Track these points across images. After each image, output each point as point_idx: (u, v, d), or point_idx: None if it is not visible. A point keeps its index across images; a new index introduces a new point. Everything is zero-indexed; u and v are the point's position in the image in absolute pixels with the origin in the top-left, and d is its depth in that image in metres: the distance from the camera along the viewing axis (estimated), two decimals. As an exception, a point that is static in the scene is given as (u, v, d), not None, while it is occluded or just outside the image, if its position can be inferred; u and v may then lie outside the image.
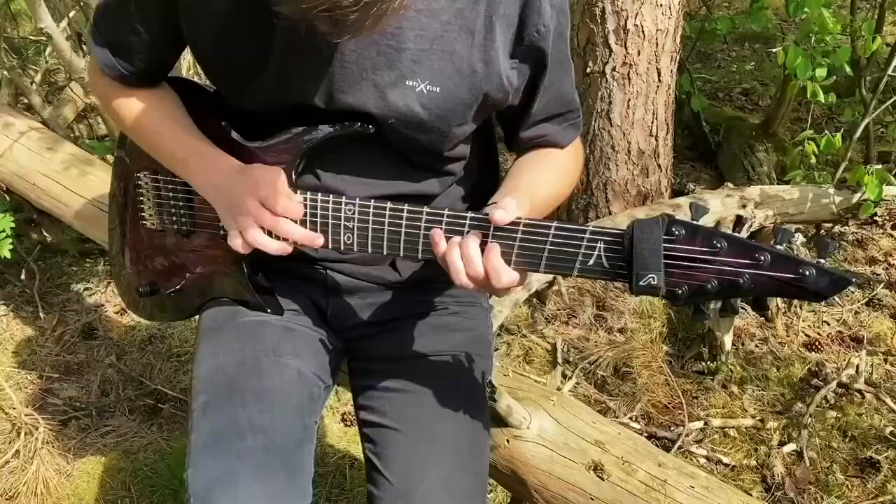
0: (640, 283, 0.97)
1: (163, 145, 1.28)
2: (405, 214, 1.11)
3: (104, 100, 1.35)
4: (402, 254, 1.14)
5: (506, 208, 1.04)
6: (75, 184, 2.31)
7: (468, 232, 1.07)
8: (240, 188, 1.16)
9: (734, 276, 0.95)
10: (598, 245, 1.01)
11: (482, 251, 1.06)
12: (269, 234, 1.16)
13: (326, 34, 0.93)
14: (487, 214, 1.06)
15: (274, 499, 1.12)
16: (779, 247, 0.94)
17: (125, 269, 1.49)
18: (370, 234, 1.14)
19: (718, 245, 0.95)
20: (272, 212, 1.14)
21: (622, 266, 1.00)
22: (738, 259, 0.94)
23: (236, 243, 1.17)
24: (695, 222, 0.97)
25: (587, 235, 1.01)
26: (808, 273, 0.92)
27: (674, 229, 0.96)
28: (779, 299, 2.83)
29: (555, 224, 1.03)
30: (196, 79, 1.72)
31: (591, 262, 1.02)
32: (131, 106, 1.29)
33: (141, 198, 1.39)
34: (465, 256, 1.05)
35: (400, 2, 0.91)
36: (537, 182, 1.25)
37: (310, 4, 0.87)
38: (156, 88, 1.31)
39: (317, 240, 1.15)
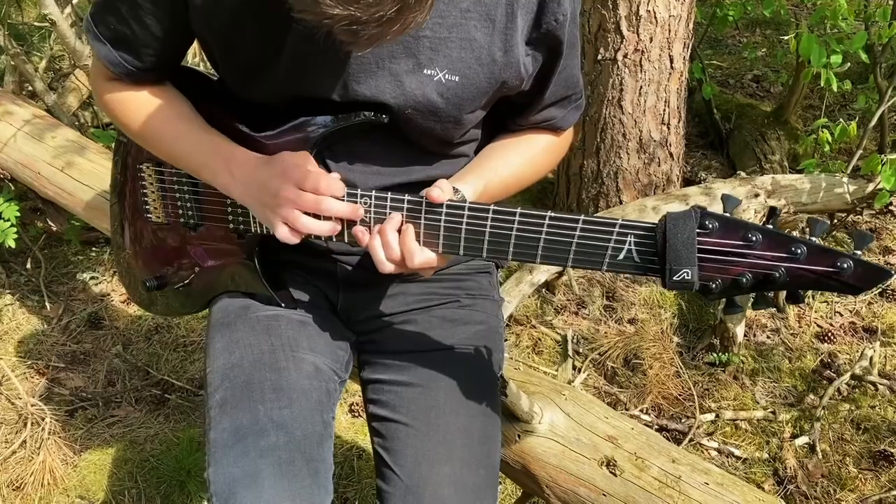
0: (674, 277, 0.95)
1: (180, 150, 1.23)
2: (423, 208, 1.08)
3: (110, 106, 1.28)
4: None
5: (442, 187, 1.07)
6: (79, 173, 2.29)
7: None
8: (272, 179, 1.12)
9: (769, 269, 0.93)
10: (629, 239, 0.99)
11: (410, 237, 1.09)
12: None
13: (345, 44, 0.91)
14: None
15: (298, 497, 1.10)
16: (814, 239, 0.92)
17: (130, 262, 1.47)
18: None
19: (753, 238, 0.93)
20: (314, 193, 1.11)
21: (654, 260, 0.98)
22: (774, 252, 0.93)
23: (283, 233, 1.12)
24: (728, 215, 0.95)
25: (617, 229, 0.99)
26: (845, 266, 0.90)
27: (707, 222, 0.94)
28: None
29: (582, 218, 1.01)
30: (201, 66, 1.69)
31: (622, 256, 1.00)
32: (140, 110, 1.24)
33: (144, 190, 1.37)
34: (384, 242, 1.09)
35: (423, 17, 0.88)
36: (501, 164, 1.25)
37: (332, 18, 0.85)
38: (162, 87, 1.26)
39: (359, 210, 1.12)
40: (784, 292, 0.97)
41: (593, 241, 1.01)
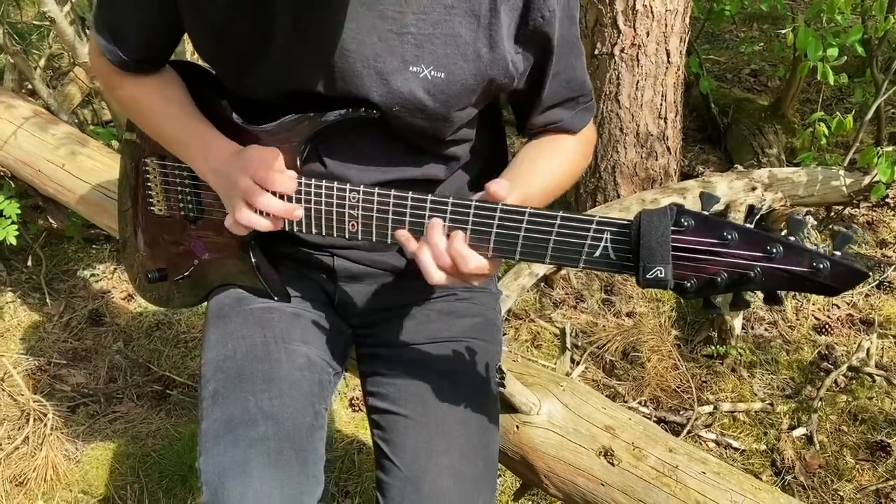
0: (647, 275, 0.94)
1: (165, 129, 1.27)
2: (409, 203, 1.09)
3: (106, 82, 1.34)
4: None
5: (499, 181, 1.04)
6: (79, 170, 2.30)
7: (468, 220, 1.05)
8: (236, 169, 1.15)
9: (745, 268, 0.91)
10: (605, 236, 0.98)
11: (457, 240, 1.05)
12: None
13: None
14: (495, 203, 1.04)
15: (287, 486, 1.11)
16: (791, 238, 0.90)
17: (137, 253, 1.49)
18: (374, 222, 1.13)
19: (729, 236, 0.91)
20: (264, 188, 1.13)
21: (629, 258, 0.97)
22: (750, 251, 0.91)
23: (228, 223, 1.17)
24: (704, 212, 0.93)
25: (593, 226, 0.98)
26: (822, 266, 0.89)
27: (682, 220, 0.93)
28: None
29: (560, 214, 1.00)
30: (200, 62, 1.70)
31: (598, 253, 0.99)
32: (133, 90, 1.28)
33: (148, 183, 1.39)
34: (433, 249, 1.05)
35: None
36: (538, 169, 1.23)
37: None
38: (158, 73, 1.29)
39: (295, 210, 1.14)
40: (762, 294, 0.95)
41: (571, 238, 1.00)
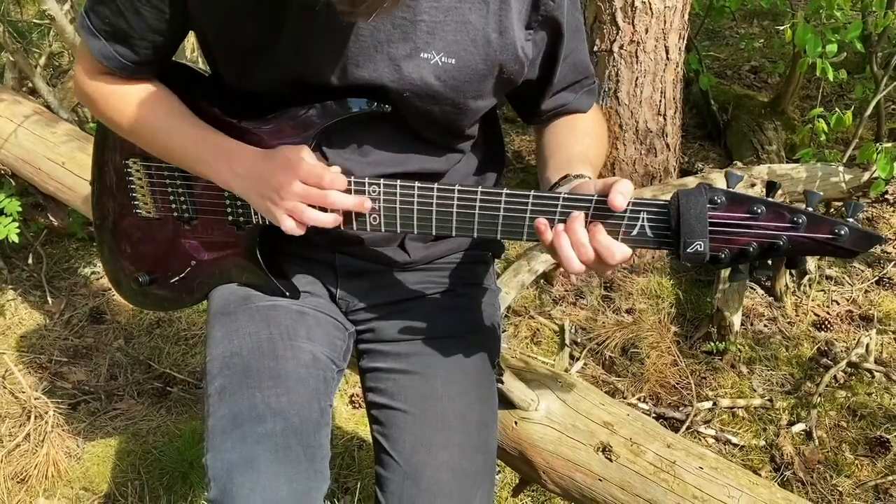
0: (688, 250, 1.01)
1: (175, 145, 1.22)
2: (435, 193, 1.11)
3: (96, 101, 1.27)
4: (434, 232, 1.15)
5: (624, 192, 1.02)
6: (79, 167, 2.30)
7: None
8: (275, 173, 1.13)
9: (774, 238, 1.00)
10: (641, 216, 1.04)
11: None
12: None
13: (344, 14, 0.92)
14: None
15: (294, 482, 1.12)
16: (811, 209, 0.99)
17: (118, 259, 1.46)
18: (398, 213, 1.14)
19: (758, 210, 0.99)
20: (318, 187, 1.12)
21: (667, 235, 1.04)
22: (777, 222, 1.00)
23: (289, 226, 1.14)
24: (733, 190, 1.01)
25: (629, 207, 1.03)
26: (842, 232, 0.97)
27: (715, 197, 1.00)
28: (787, 279, 2.82)
29: (595, 197, 1.04)
30: (199, 60, 1.70)
31: (635, 232, 1.05)
32: (131, 106, 1.23)
33: (132, 185, 1.35)
34: (574, 242, 1.04)
35: None
36: (585, 149, 1.27)
37: None
38: (151, 83, 1.24)
39: (365, 202, 1.13)
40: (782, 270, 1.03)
41: (609, 220, 1.05)
